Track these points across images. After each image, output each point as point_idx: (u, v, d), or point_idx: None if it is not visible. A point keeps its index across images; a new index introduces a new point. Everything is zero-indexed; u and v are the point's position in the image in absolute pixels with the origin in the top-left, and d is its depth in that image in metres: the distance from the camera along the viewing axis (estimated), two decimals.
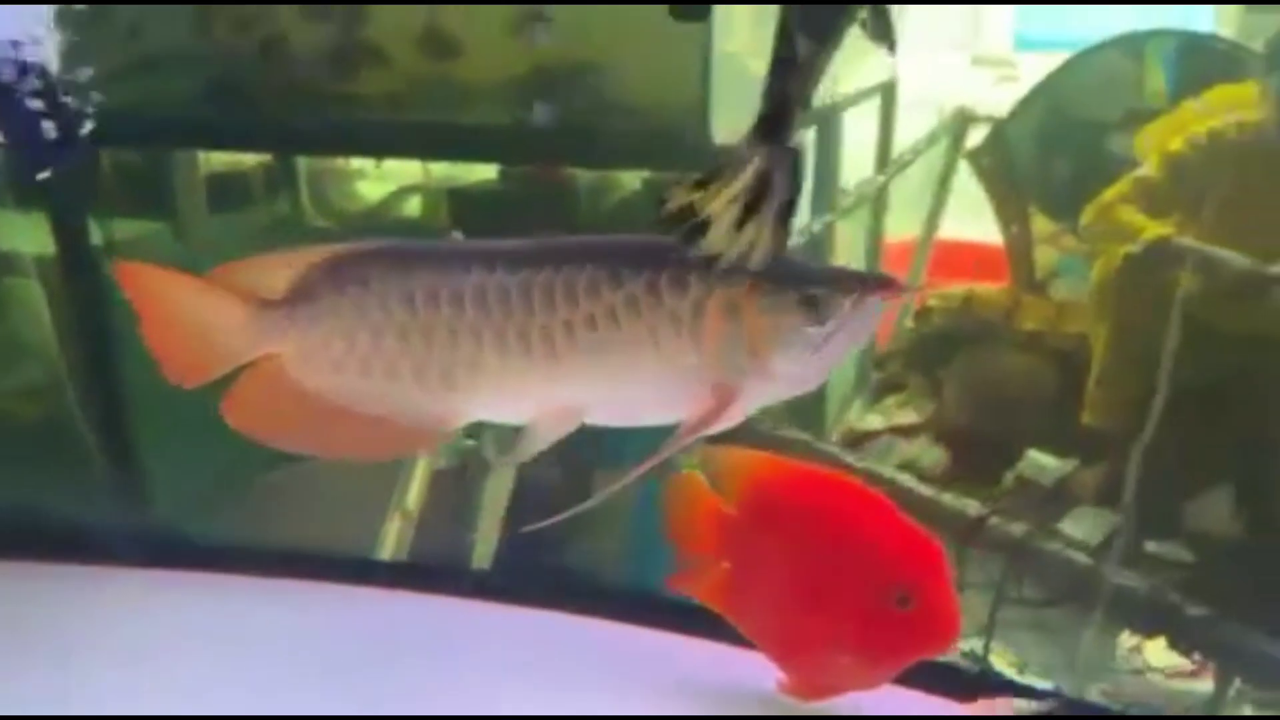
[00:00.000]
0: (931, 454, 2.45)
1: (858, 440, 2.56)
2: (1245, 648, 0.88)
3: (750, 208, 0.62)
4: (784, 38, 0.63)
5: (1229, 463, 2.15)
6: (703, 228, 0.63)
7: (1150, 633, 1.02)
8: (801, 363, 0.68)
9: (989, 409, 2.47)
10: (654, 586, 0.94)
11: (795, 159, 0.63)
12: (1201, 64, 2.78)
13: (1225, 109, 2.34)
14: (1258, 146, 2.16)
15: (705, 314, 0.66)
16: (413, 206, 2.31)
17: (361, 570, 0.97)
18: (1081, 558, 0.97)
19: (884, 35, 0.64)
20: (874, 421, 2.57)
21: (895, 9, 0.65)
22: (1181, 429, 2.21)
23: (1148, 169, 2.28)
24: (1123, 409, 2.24)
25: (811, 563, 0.80)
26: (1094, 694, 1.65)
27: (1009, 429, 2.44)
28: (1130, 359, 2.18)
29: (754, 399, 0.70)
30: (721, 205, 0.62)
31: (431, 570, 1.05)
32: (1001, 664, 1.74)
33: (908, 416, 2.56)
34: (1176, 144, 2.27)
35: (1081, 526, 2.31)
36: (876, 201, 2.73)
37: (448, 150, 2.02)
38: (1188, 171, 2.22)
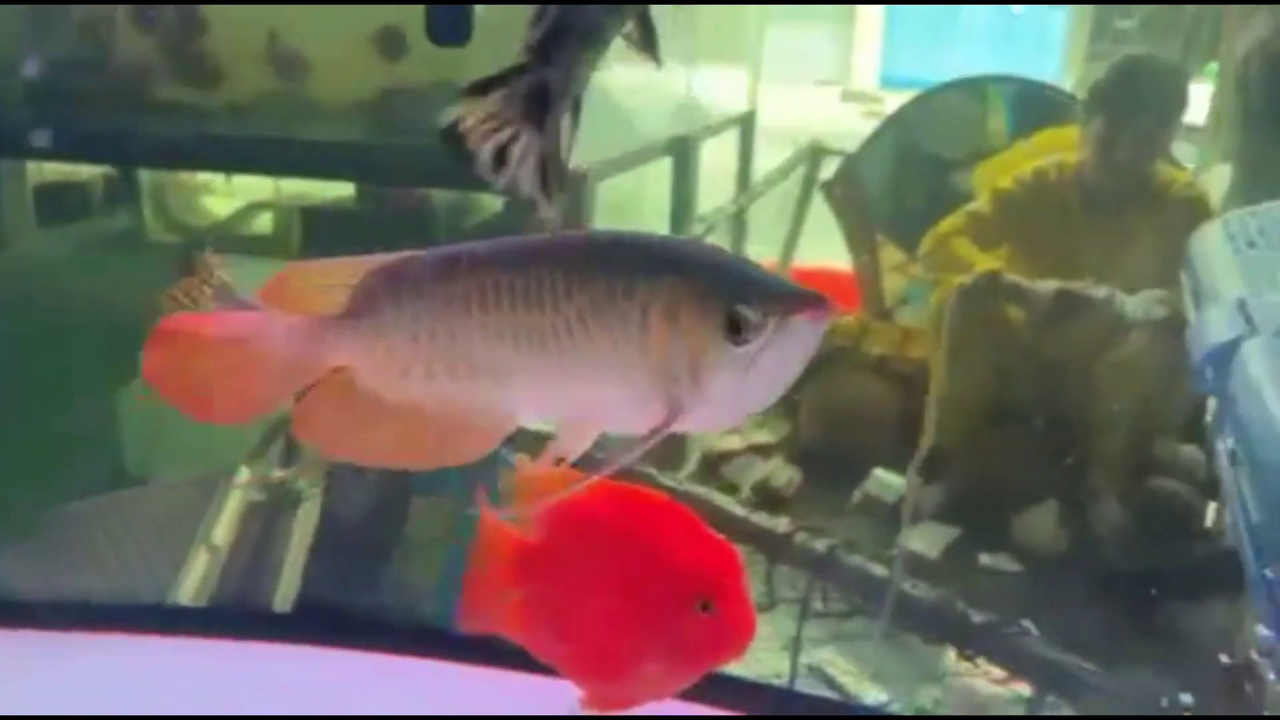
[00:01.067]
0: (785, 473, 2.53)
1: (718, 460, 2.62)
2: (1028, 653, 0.96)
3: (502, 154, 0.66)
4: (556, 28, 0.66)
5: (1051, 480, 2.30)
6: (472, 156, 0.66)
7: (939, 640, 1.09)
8: (730, 385, 0.65)
9: (838, 430, 2.57)
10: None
11: (554, 145, 0.66)
12: (1037, 108, 3.00)
13: (1050, 150, 2.52)
14: (1075, 186, 2.34)
15: (649, 320, 0.66)
16: (263, 223, 2.25)
17: (155, 617, 0.94)
18: (879, 570, 1.02)
19: (649, 48, 0.68)
20: (733, 441, 2.64)
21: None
22: (1008, 448, 2.36)
23: (979, 204, 2.44)
24: (956, 430, 2.38)
25: (613, 576, 0.81)
26: (926, 699, 1.74)
27: (857, 449, 2.54)
28: (963, 383, 2.31)
29: (695, 420, 0.67)
30: (478, 139, 0.65)
31: (233, 613, 1.02)
32: (841, 674, 1.82)
33: (764, 436, 2.64)
34: (1005, 181, 2.43)
35: (923, 540, 2.43)
36: (735, 226, 2.82)
37: (298, 167, 1.98)
38: (1013, 208, 2.38)
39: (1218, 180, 2.43)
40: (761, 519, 1.08)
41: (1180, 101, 2.26)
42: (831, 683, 1.60)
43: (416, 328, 0.69)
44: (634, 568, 0.80)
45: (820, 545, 1.05)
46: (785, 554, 1.04)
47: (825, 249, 3.05)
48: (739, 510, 1.04)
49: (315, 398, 0.71)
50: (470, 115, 0.67)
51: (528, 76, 0.67)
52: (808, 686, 1.63)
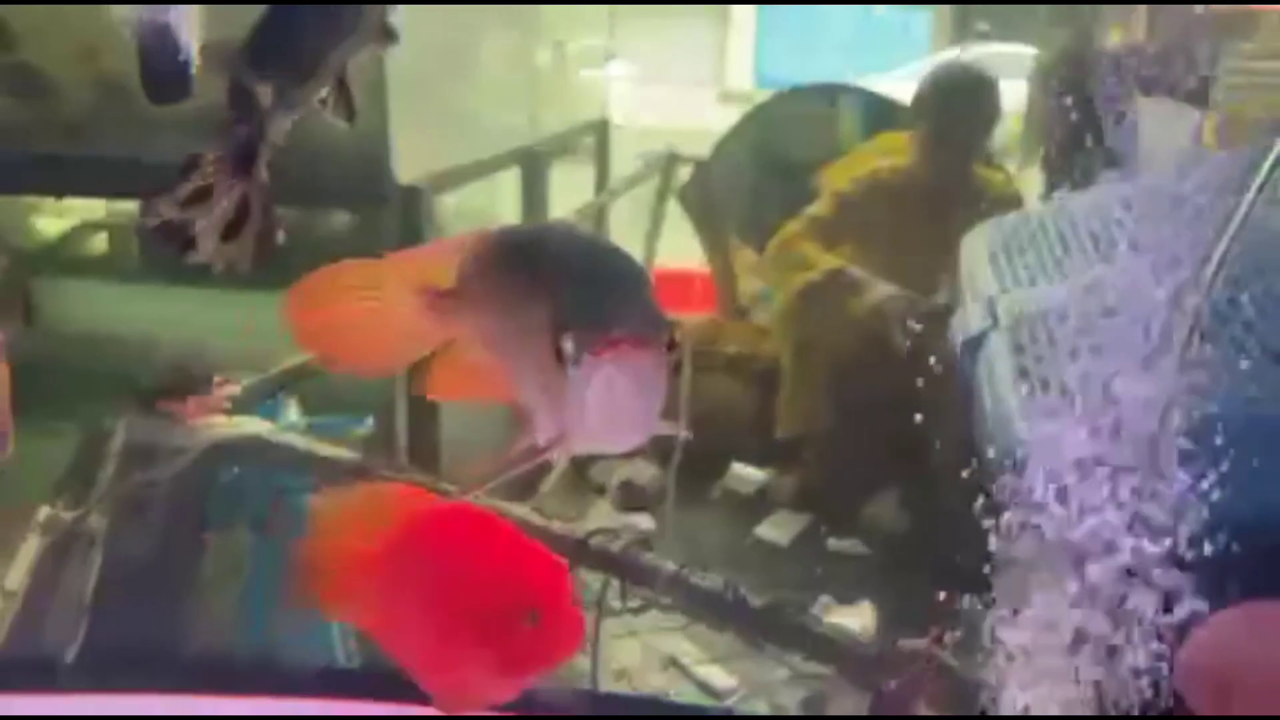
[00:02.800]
0: (648, 471, 2.60)
1: (585, 462, 2.67)
2: (807, 633, 1.04)
3: (231, 229, 0.70)
4: (243, 90, 0.71)
5: (894, 466, 2.42)
6: (193, 242, 0.70)
7: (721, 626, 1.17)
8: (572, 409, 0.64)
9: (697, 427, 2.65)
10: (273, 650, 0.94)
11: (265, 190, 0.71)
12: (884, 113, 3.14)
13: (888, 152, 2.66)
14: (905, 186, 2.47)
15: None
16: (99, 244, 2.19)
17: None
18: (669, 565, 1.09)
19: (344, 113, 0.74)
20: None
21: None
22: (855, 437, 2.48)
23: (820, 206, 2.55)
24: (805, 422, 2.49)
25: (447, 589, 0.86)
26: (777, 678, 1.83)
27: (716, 445, 2.63)
28: (809, 377, 2.42)
29: (563, 441, 0.68)
30: (206, 225, 0.69)
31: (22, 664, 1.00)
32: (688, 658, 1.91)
33: None
34: (843, 184, 2.55)
35: (777, 529, 2.54)
36: (595, 228, 2.88)
37: (128, 187, 1.95)
38: (851, 208, 2.50)
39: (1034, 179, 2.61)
40: (559, 525, 1.14)
41: (993, 109, 2.41)
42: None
43: (502, 302, 0.72)
44: (465, 582, 0.84)
45: (615, 546, 1.11)
46: (584, 557, 1.10)
47: (686, 251, 3.14)
48: (537, 519, 1.10)
49: (438, 368, 0.75)
50: (173, 204, 0.71)
51: (230, 138, 0.71)
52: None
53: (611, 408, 0.64)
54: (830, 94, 3.39)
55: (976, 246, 1.28)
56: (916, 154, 2.45)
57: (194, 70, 0.77)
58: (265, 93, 0.72)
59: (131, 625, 1.13)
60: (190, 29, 0.76)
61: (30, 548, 1.17)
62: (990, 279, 1.16)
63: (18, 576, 1.15)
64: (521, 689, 0.89)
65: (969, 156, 2.41)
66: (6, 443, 0.87)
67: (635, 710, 1.12)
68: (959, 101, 2.37)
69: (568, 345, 0.63)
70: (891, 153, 2.60)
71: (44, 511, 1.18)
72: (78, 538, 1.18)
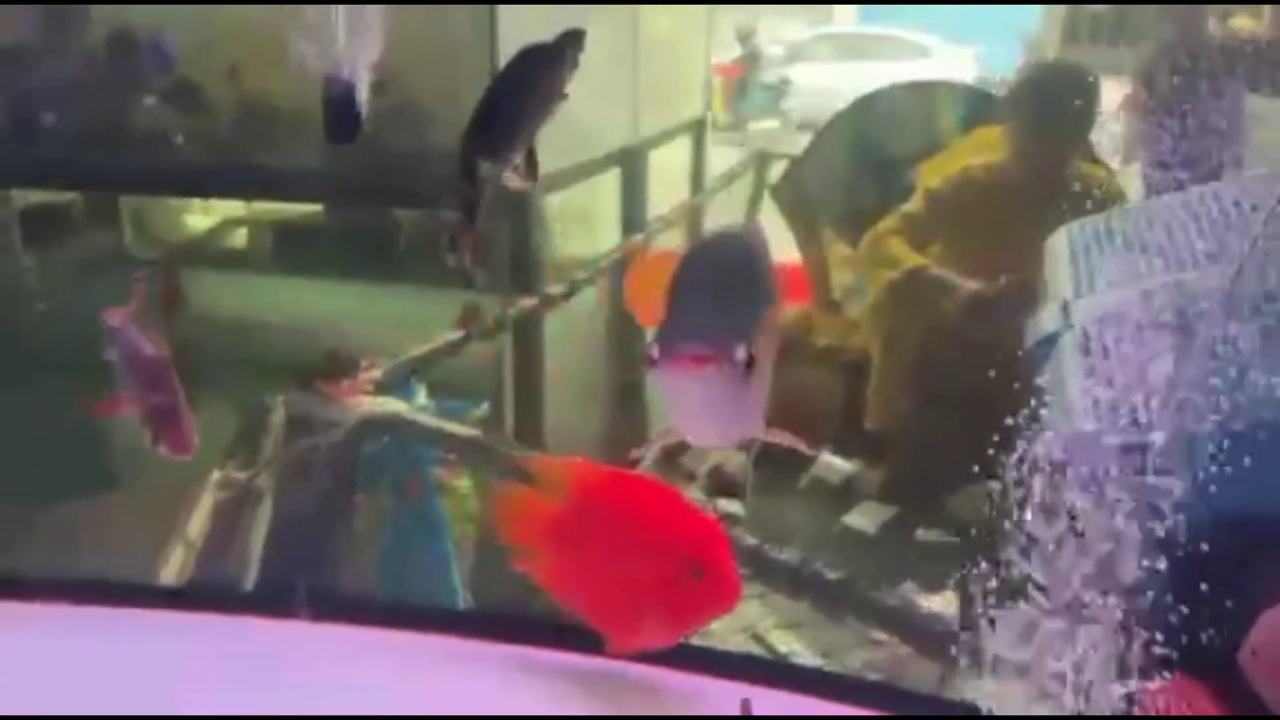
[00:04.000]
0: (737, 459, 2.70)
1: (677, 449, 2.79)
2: (874, 605, 1.13)
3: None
4: (469, 164, 0.89)
5: (979, 459, 2.45)
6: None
7: (796, 597, 1.26)
8: (673, 409, 0.77)
9: (787, 417, 2.73)
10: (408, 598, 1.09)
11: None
12: (983, 107, 3.13)
13: (985, 147, 2.67)
14: (997, 183, 2.49)
15: None
16: (239, 238, 2.42)
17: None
18: (750, 540, 1.19)
19: (531, 176, 0.90)
20: None
21: None
22: (942, 431, 2.51)
23: (912, 204, 2.59)
24: (894, 415, 2.54)
25: (624, 546, 0.99)
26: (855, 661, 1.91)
27: (805, 434, 2.70)
28: (896, 371, 2.47)
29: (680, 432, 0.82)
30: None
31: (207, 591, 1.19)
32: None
33: None
34: (935, 181, 2.58)
35: (865, 518, 2.60)
36: (691, 226, 2.98)
37: (267, 191, 2.15)
38: (943, 206, 2.52)
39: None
40: None
41: (1089, 106, 2.41)
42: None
43: None
44: (639, 539, 0.97)
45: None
46: None
47: (782, 245, 3.21)
48: None
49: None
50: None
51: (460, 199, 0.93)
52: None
53: (685, 411, 0.74)
54: (929, 89, 3.39)
55: (1059, 246, 1.33)
56: (1009, 152, 2.46)
57: (364, 117, 0.93)
58: (485, 165, 0.90)
59: (295, 567, 1.31)
60: (364, 85, 0.93)
61: (206, 504, 1.37)
62: (1068, 280, 1.21)
63: (197, 526, 1.35)
64: (684, 635, 1.03)
65: (1064, 154, 2.41)
66: (191, 440, 1.04)
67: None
68: (1051, 100, 2.37)
69: (652, 351, 0.73)
70: (986, 148, 2.61)
71: (217, 474, 1.40)
72: (249, 495, 1.38)
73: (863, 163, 3.14)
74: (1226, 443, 0.85)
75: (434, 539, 1.42)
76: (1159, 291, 1.01)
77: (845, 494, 2.67)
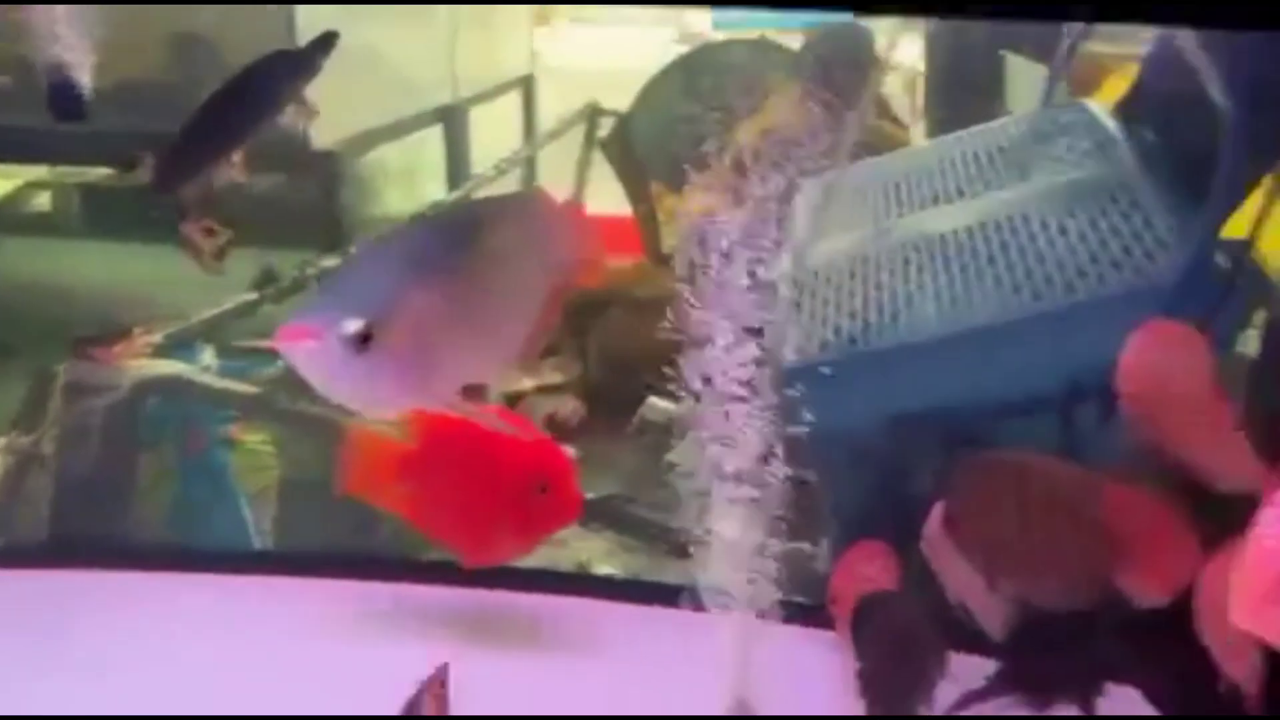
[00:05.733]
0: (569, 405, 2.82)
1: (512, 400, 2.89)
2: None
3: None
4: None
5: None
6: None
7: (604, 529, 1.44)
8: None
9: (618, 365, 2.87)
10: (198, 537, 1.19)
11: None
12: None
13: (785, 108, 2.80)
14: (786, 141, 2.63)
15: None
16: (42, 202, 2.36)
17: None
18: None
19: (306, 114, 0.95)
20: (527, 384, 2.91)
21: None
22: None
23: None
24: None
25: (474, 472, 1.11)
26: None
27: (635, 381, 2.84)
28: None
29: None
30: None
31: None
32: None
33: (554, 378, 2.93)
34: (743, 137, 2.71)
35: (687, 456, 2.76)
36: (526, 175, 3.04)
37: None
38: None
39: None
40: None
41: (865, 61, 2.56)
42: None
43: None
44: (487, 464, 1.09)
45: None
46: None
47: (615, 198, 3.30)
48: None
49: None
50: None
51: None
52: None
53: (318, 386, 0.76)
54: (763, 46, 3.50)
55: (806, 197, 1.47)
56: (792, 108, 2.60)
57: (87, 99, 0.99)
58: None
59: (83, 521, 1.39)
60: (86, 68, 0.98)
61: None
62: (805, 229, 1.35)
63: None
64: (533, 547, 1.15)
65: (840, 106, 2.56)
66: None
67: None
68: (834, 51, 2.52)
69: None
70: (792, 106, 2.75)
71: (2, 440, 1.47)
72: (33, 459, 1.45)
73: (691, 115, 3.24)
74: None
75: (220, 489, 1.52)
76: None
77: (668, 432, 2.82)
